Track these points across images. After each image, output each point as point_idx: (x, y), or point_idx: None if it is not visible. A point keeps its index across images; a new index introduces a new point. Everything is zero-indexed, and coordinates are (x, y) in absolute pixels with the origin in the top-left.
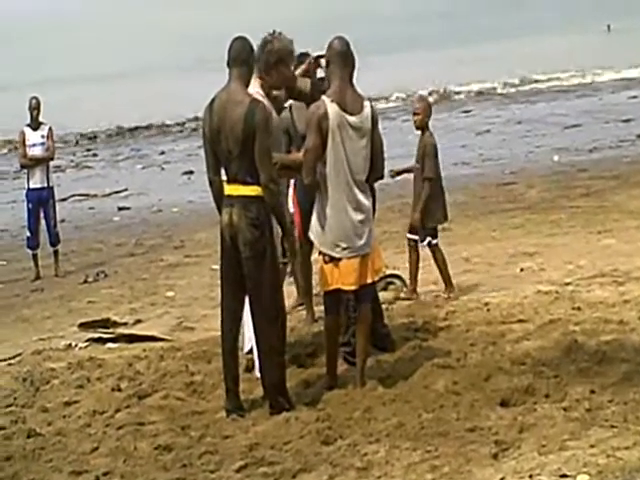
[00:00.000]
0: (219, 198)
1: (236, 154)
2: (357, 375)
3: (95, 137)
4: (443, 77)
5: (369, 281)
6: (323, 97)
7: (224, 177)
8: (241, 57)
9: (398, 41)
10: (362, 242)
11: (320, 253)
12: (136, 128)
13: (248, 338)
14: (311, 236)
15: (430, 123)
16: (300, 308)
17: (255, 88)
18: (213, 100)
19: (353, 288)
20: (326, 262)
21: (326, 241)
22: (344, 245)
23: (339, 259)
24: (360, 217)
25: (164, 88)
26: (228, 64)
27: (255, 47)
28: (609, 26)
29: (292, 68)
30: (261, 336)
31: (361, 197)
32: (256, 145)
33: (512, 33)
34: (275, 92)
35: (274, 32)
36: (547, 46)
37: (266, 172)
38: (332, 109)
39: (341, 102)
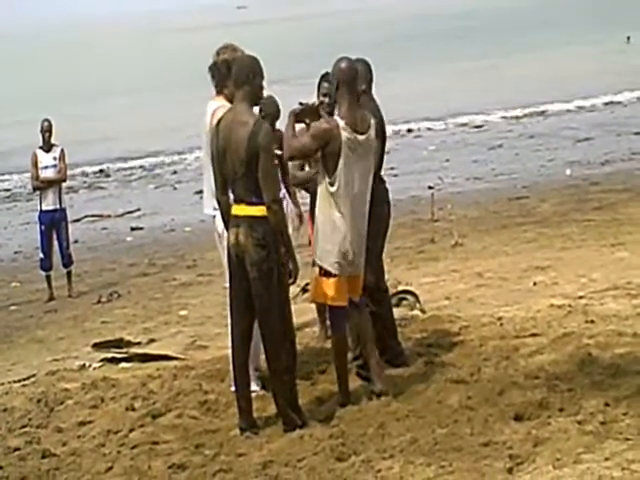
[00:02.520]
0: (227, 217)
1: (241, 174)
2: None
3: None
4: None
5: (356, 299)
6: (336, 118)
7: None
8: (241, 77)
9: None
10: (360, 260)
11: (316, 265)
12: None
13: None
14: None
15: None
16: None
17: (221, 102)
18: (220, 121)
19: (342, 304)
20: (322, 275)
21: (327, 257)
22: (344, 263)
23: (335, 275)
24: (363, 237)
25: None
26: (233, 85)
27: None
28: (629, 38)
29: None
30: (271, 355)
31: (366, 215)
32: (260, 165)
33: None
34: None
35: (225, 45)
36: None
37: (269, 192)
38: (345, 131)
39: (352, 123)
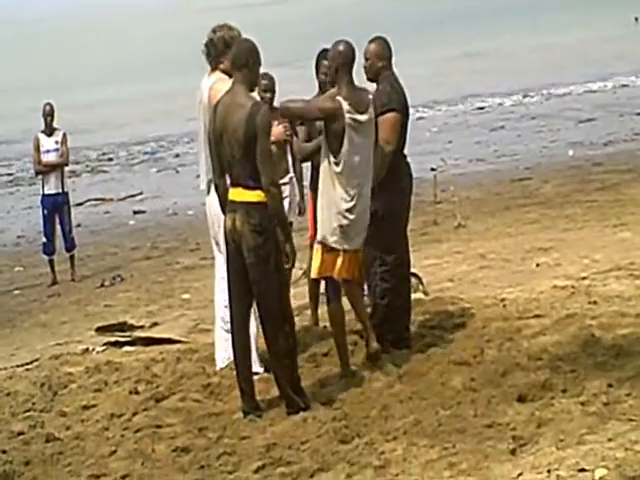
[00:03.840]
0: (224, 201)
1: (238, 157)
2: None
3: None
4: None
5: (357, 275)
6: (339, 98)
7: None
8: (241, 60)
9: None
10: (362, 238)
11: (320, 242)
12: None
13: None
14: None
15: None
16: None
17: (219, 75)
18: (217, 103)
19: (347, 278)
20: (327, 251)
21: (331, 234)
22: (347, 239)
23: (339, 251)
24: (366, 215)
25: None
26: (231, 67)
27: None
28: (637, 18)
29: None
30: (270, 339)
31: (369, 194)
32: (257, 148)
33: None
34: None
35: (221, 24)
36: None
37: (267, 175)
38: (348, 113)
39: (355, 104)
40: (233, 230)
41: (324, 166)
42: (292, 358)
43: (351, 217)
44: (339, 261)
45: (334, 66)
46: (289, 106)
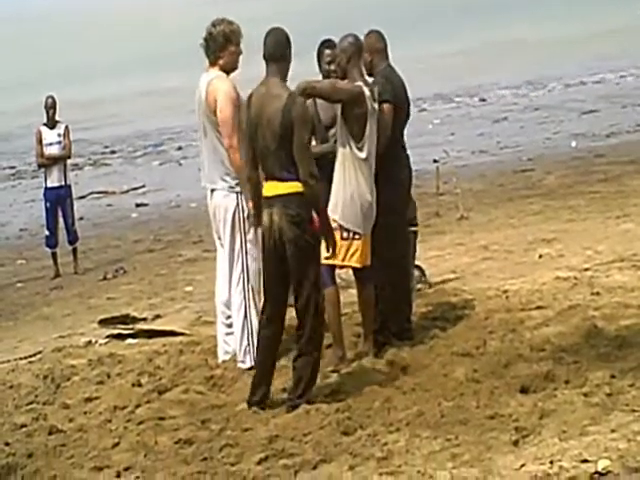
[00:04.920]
0: (256, 195)
1: (273, 149)
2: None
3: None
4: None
5: (368, 263)
6: (360, 84)
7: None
8: (278, 51)
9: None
10: (372, 222)
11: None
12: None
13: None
14: (333, 213)
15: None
16: None
17: (217, 72)
18: (251, 95)
19: (360, 266)
20: (343, 239)
21: (356, 219)
22: (366, 223)
23: (354, 237)
24: (374, 199)
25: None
26: (265, 58)
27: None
28: None
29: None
30: (302, 330)
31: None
32: (294, 140)
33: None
34: None
35: (221, 18)
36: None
37: (305, 167)
38: (369, 100)
39: (370, 91)
40: (270, 224)
41: (344, 154)
42: (318, 351)
43: (371, 201)
44: (353, 248)
45: (345, 58)
46: (315, 85)
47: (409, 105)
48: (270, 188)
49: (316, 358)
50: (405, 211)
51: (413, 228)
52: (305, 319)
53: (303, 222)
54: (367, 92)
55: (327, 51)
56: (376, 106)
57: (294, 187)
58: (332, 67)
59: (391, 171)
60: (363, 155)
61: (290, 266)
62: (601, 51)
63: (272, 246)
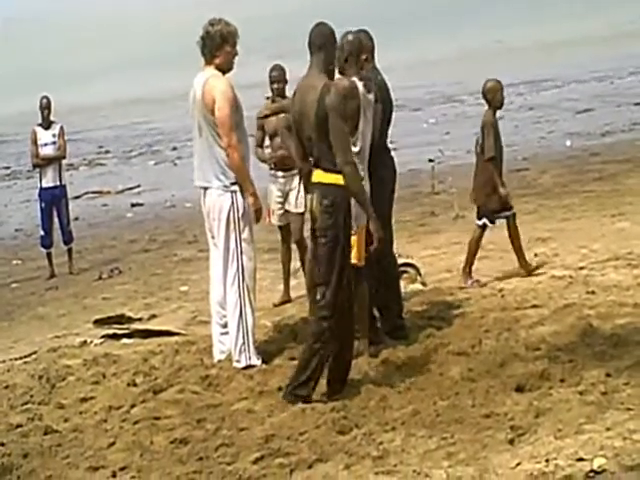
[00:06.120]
0: (307, 184)
1: (315, 139)
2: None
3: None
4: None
5: (362, 262)
6: (354, 79)
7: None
8: (317, 43)
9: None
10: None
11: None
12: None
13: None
14: None
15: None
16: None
17: (213, 71)
18: (296, 89)
19: (356, 262)
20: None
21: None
22: (360, 214)
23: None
24: None
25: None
26: (309, 50)
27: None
28: None
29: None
30: (313, 319)
31: None
32: (330, 127)
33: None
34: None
35: (218, 18)
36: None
37: (341, 155)
38: (362, 94)
39: (364, 84)
40: (310, 211)
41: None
42: (351, 336)
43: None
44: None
45: (343, 56)
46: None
47: (392, 106)
48: (315, 175)
49: (324, 353)
50: (388, 212)
51: (508, 212)
52: (322, 311)
53: (335, 213)
54: (361, 87)
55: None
56: (371, 97)
57: (333, 178)
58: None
59: (374, 171)
60: (356, 149)
61: (317, 255)
62: (598, 51)
63: (312, 230)
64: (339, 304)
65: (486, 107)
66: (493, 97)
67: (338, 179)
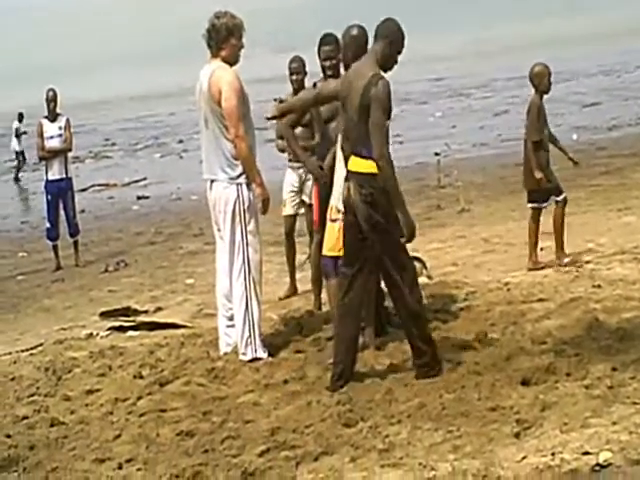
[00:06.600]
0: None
1: (354, 123)
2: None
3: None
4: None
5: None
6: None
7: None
8: (381, 33)
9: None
10: None
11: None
12: None
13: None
14: (337, 203)
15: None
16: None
17: (219, 64)
18: (348, 72)
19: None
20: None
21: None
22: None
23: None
24: None
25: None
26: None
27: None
28: None
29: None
30: (398, 305)
31: None
32: (370, 117)
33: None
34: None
35: (224, 11)
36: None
37: (377, 147)
38: None
39: None
40: (348, 198)
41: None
42: (422, 318)
43: None
44: (331, 228)
45: (350, 52)
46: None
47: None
48: (352, 163)
49: (424, 325)
50: None
51: (562, 196)
52: (396, 296)
53: (375, 203)
54: None
55: (324, 47)
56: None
57: (370, 167)
58: (327, 64)
59: None
60: None
61: (369, 241)
62: (603, 46)
63: (351, 218)
64: (412, 285)
65: (533, 91)
66: (540, 82)
67: (374, 167)
